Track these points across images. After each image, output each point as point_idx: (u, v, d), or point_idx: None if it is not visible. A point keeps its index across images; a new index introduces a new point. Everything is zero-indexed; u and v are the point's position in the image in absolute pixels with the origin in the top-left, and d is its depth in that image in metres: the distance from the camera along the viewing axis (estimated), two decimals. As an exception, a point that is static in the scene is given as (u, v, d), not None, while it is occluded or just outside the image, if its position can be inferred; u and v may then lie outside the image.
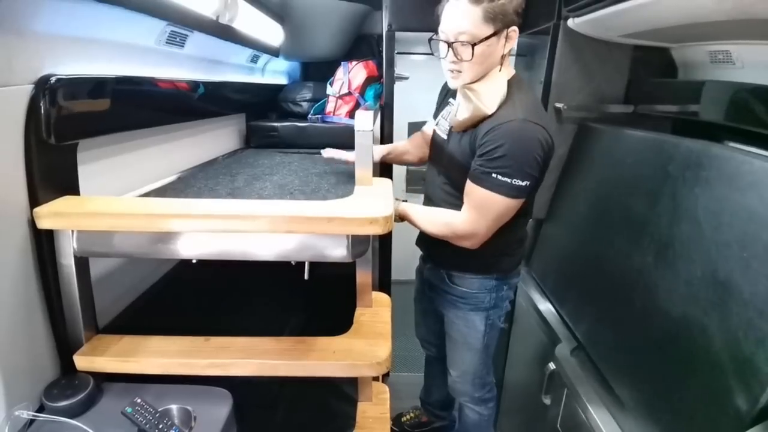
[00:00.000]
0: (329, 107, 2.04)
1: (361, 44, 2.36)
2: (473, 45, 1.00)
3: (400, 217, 1.18)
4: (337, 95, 2.01)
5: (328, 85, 2.07)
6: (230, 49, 1.62)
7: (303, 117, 2.11)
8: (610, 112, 1.43)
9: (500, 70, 1.08)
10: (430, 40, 1.11)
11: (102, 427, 0.75)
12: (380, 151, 1.47)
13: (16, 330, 0.76)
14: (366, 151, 0.94)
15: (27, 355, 0.79)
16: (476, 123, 1.08)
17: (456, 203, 1.16)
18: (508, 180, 1.02)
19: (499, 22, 1.00)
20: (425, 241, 1.35)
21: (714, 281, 0.81)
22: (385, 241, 2.04)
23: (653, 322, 0.94)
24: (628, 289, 1.04)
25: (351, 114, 1.97)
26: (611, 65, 1.42)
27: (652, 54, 1.36)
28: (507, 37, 1.04)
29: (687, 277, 0.88)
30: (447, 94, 1.30)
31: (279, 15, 1.85)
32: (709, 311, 0.81)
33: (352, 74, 2.00)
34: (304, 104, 2.13)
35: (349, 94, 1.98)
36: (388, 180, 1.03)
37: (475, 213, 1.08)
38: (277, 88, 2.23)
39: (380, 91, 1.97)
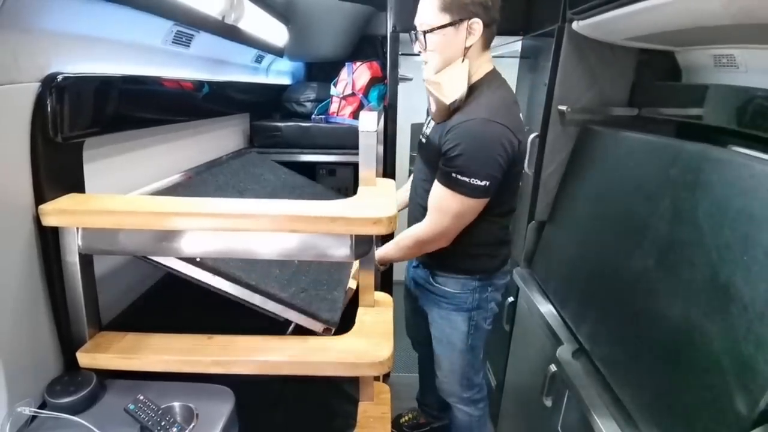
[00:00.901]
0: (333, 108, 2.05)
1: (365, 45, 2.37)
2: (425, 33, 1.06)
3: (381, 263, 1.26)
4: (341, 96, 2.02)
5: (332, 86, 2.08)
6: (235, 49, 1.63)
7: (307, 117, 2.12)
8: (613, 115, 1.43)
9: (462, 62, 1.08)
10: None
11: (104, 424, 0.75)
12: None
13: (19, 327, 0.77)
14: (370, 152, 0.95)
15: (30, 352, 0.79)
16: (445, 116, 1.10)
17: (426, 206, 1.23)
18: (466, 179, 1.04)
19: (455, 13, 1.03)
20: (414, 216, 1.36)
21: (715, 284, 0.81)
22: (387, 242, 2.04)
23: (655, 325, 0.94)
24: (630, 292, 1.04)
25: (355, 115, 1.98)
26: (615, 68, 1.41)
27: (657, 57, 1.36)
28: (469, 30, 1.05)
29: (688, 280, 0.88)
30: None
31: (284, 15, 1.85)
32: (710, 314, 0.81)
33: (356, 75, 2.00)
34: (308, 104, 2.14)
35: (353, 94, 1.99)
36: (391, 180, 1.04)
37: (436, 214, 1.13)
38: (281, 89, 2.24)
39: (384, 92, 1.97)
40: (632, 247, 1.07)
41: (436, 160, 1.12)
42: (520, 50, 1.78)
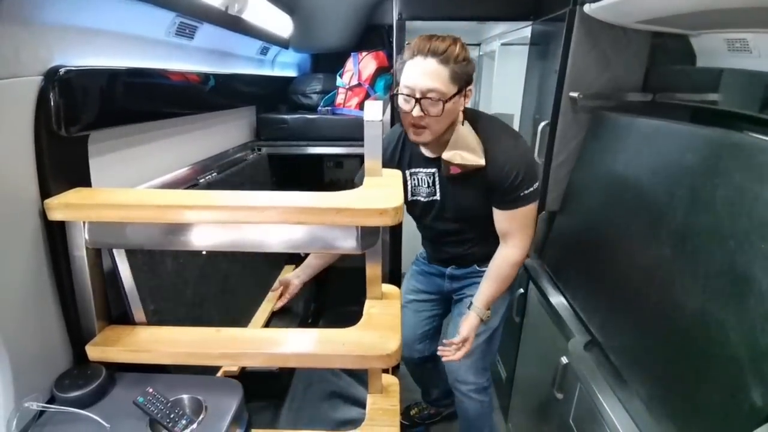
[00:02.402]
0: (339, 99, 2.03)
1: (371, 35, 2.34)
2: (444, 102, 1.06)
3: (489, 309, 1.29)
4: (347, 87, 2.00)
5: (338, 77, 2.06)
6: (240, 41, 1.61)
7: (313, 109, 2.10)
8: (627, 101, 1.39)
9: (463, 124, 1.16)
10: (392, 96, 1.20)
11: (114, 417, 0.76)
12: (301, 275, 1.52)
13: (27, 322, 0.77)
14: (375, 142, 0.93)
15: (39, 347, 0.80)
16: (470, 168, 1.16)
17: (466, 239, 1.35)
18: (531, 190, 1.16)
19: (462, 82, 1.09)
20: (446, 251, 1.43)
21: (732, 274, 0.79)
22: (395, 233, 2.03)
23: (669, 316, 0.92)
24: (644, 282, 1.01)
25: (361, 105, 1.96)
26: (629, 52, 1.37)
27: (671, 41, 1.31)
28: (466, 94, 1.13)
29: (705, 269, 0.85)
30: (401, 156, 1.30)
31: (288, 6, 1.83)
32: (726, 305, 0.79)
33: (362, 65, 1.98)
34: (314, 96, 2.13)
35: (359, 85, 1.97)
36: (397, 171, 1.02)
37: (521, 233, 1.22)
38: (287, 80, 2.23)
39: (390, 82, 1.95)
40: (647, 236, 1.04)
41: (478, 203, 1.22)
42: (529, 36, 1.74)
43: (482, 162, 1.13)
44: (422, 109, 1.08)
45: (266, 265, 1.80)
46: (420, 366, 1.70)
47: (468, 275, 1.44)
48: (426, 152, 1.24)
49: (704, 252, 0.87)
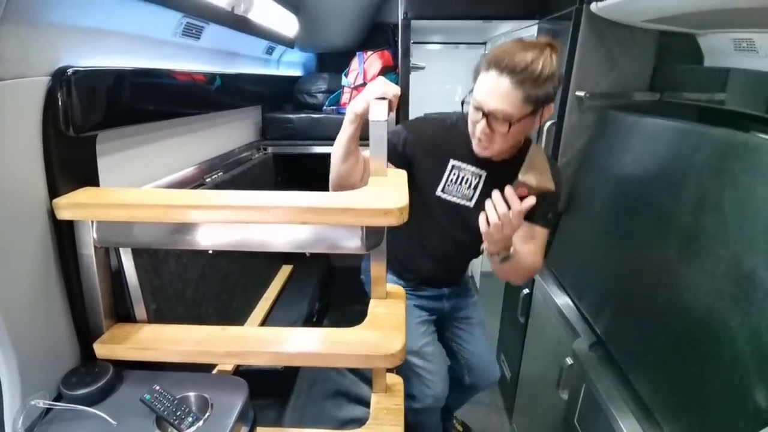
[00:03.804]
0: (344, 98, 2.03)
1: (377, 34, 2.33)
2: (510, 123, 0.97)
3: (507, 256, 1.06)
4: (353, 86, 2.00)
5: (343, 76, 2.06)
6: (246, 41, 1.62)
7: (318, 108, 2.11)
8: (634, 101, 1.38)
9: (537, 144, 1.10)
10: (462, 102, 1.09)
11: (121, 414, 0.76)
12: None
13: (35, 320, 0.78)
14: (381, 142, 0.93)
15: (46, 345, 0.80)
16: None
17: (471, 256, 1.37)
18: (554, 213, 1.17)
19: (538, 103, 0.97)
20: (450, 268, 1.37)
21: (738, 275, 0.78)
22: (397, 231, 2.03)
23: (676, 317, 0.91)
24: (651, 283, 1.01)
25: (366, 105, 1.95)
26: (636, 51, 1.36)
27: (678, 40, 1.30)
28: (542, 114, 1.01)
29: (711, 270, 0.85)
30: (448, 144, 1.16)
31: (294, 5, 1.84)
32: (733, 306, 0.78)
33: (367, 64, 1.98)
34: (320, 96, 2.13)
35: (365, 84, 1.97)
36: (402, 171, 1.02)
37: (541, 249, 1.16)
38: (293, 80, 2.24)
39: (396, 82, 1.94)
40: (653, 237, 1.04)
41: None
42: (536, 35, 1.73)
43: (553, 187, 0.99)
44: (489, 125, 0.99)
45: (264, 265, 1.81)
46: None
47: (464, 290, 1.47)
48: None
49: (711, 253, 0.86)
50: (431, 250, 1.29)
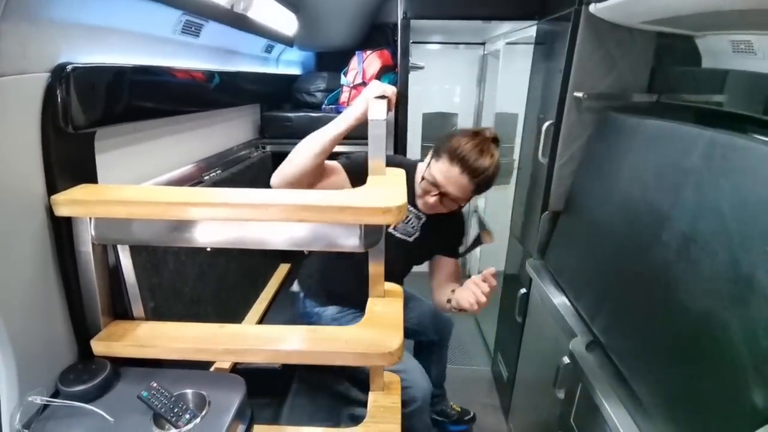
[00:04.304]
0: (343, 97, 2.03)
1: (376, 33, 2.34)
2: (459, 204, 1.26)
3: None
4: (351, 85, 2.00)
5: (342, 75, 2.06)
6: (245, 39, 1.62)
7: (317, 107, 2.11)
8: (632, 102, 1.39)
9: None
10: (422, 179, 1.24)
11: (118, 411, 0.76)
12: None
13: (33, 317, 0.77)
14: (379, 141, 0.93)
15: (44, 342, 0.80)
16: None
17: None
18: None
19: (482, 191, 1.24)
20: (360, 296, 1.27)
21: (736, 276, 0.79)
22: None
23: (673, 318, 0.92)
24: (649, 284, 1.01)
25: (365, 104, 1.95)
26: (634, 53, 1.37)
27: (677, 41, 1.30)
28: None
29: (709, 271, 0.85)
30: None
31: (293, 4, 1.84)
32: (730, 307, 0.78)
33: (366, 64, 1.98)
34: (318, 94, 2.13)
35: (364, 84, 1.97)
36: (401, 170, 1.02)
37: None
38: (291, 79, 2.23)
39: (395, 81, 1.95)
40: (651, 237, 1.04)
41: (436, 251, 1.40)
42: (534, 36, 1.74)
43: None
44: (441, 200, 1.22)
45: (262, 264, 1.81)
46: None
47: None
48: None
49: (709, 254, 0.86)
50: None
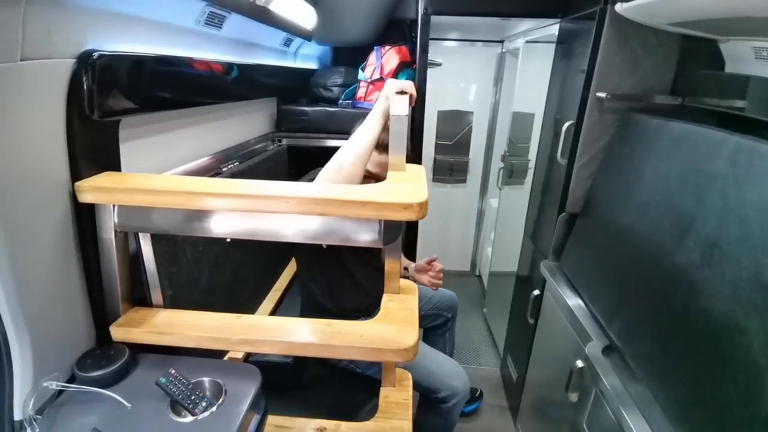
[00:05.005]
0: (360, 93, 2.03)
1: (393, 29, 2.32)
2: None
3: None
4: (369, 80, 1.99)
5: (360, 71, 2.06)
6: (265, 32, 1.62)
7: (333, 102, 2.11)
8: (654, 104, 1.36)
9: None
10: None
11: (135, 396, 0.77)
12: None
13: (53, 301, 0.78)
14: (401, 137, 0.93)
15: (62, 327, 0.80)
16: None
17: None
18: None
19: None
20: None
21: (758, 283, 0.77)
22: (411, 228, 2.03)
23: (694, 324, 0.90)
24: (669, 288, 0.99)
25: (382, 100, 1.95)
26: (659, 54, 1.34)
27: (701, 45, 1.28)
28: None
29: (733, 278, 0.84)
30: None
31: (313, -2, 1.83)
32: (752, 313, 0.77)
33: (384, 59, 1.97)
34: (335, 89, 2.13)
35: (381, 79, 1.96)
36: (420, 166, 1.02)
37: None
38: (309, 73, 2.23)
39: (413, 77, 1.94)
40: (673, 241, 1.02)
41: None
42: (556, 34, 1.71)
43: None
44: None
45: (275, 257, 1.82)
46: None
47: None
48: None
49: (732, 260, 0.85)
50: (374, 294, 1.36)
